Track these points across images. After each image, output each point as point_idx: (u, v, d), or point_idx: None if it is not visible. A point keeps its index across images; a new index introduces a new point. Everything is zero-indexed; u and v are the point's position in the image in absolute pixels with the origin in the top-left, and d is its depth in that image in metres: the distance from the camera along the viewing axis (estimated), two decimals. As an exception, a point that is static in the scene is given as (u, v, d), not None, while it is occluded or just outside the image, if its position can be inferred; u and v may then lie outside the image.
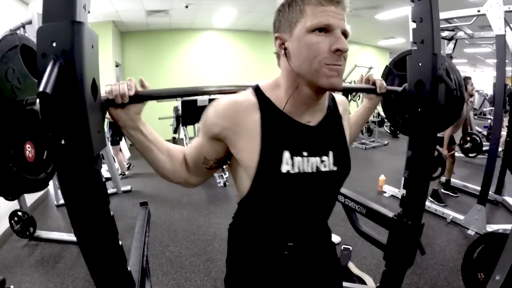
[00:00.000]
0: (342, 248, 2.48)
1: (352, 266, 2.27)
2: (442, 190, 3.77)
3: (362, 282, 2.13)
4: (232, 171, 0.86)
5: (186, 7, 5.80)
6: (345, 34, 0.72)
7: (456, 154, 3.93)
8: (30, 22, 3.01)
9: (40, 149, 0.83)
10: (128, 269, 0.88)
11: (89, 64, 0.68)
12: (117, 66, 7.41)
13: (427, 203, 3.31)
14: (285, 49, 0.74)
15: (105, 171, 4.38)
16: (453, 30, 3.71)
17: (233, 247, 0.96)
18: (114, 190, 4.36)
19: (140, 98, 0.77)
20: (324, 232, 0.98)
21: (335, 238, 2.69)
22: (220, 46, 8.53)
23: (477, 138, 3.92)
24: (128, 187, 4.47)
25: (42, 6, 0.66)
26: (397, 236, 1.36)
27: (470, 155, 3.97)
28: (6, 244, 2.92)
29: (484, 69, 16.17)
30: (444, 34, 3.75)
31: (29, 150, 0.81)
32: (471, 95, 3.66)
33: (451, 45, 3.90)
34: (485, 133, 6.49)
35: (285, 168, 0.75)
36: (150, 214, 1.70)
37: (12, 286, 2.09)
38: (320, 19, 0.68)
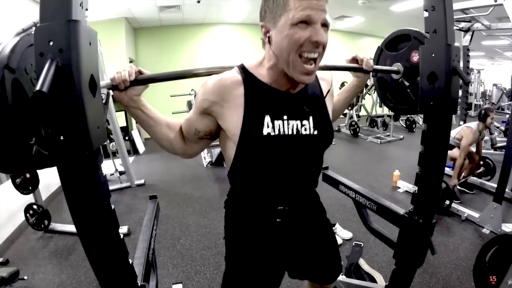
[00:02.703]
0: (353, 244, 2.46)
1: (362, 263, 2.24)
2: (458, 187, 3.67)
3: (373, 279, 2.09)
4: (221, 144, 0.95)
5: (198, 1, 5.78)
6: (325, 25, 0.78)
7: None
8: None
9: None
10: (130, 261, 0.89)
11: (87, 62, 0.69)
12: (131, 62, 7.49)
13: (442, 199, 3.24)
14: (269, 37, 0.83)
15: (119, 165, 4.46)
16: (469, 21, 3.58)
17: (229, 221, 1.05)
18: (128, 184, 4.43)
19: (139, 82, 0.87)
20: (312, 196, 1.08)
21: (347, 234, 2.65)
22: (233, 40, 8.51)
23: (490, 162, 3.89)
24: (141, 181, 4.54)
25: (40, 6, 0.67)
26: (407, 234, 1.33)
27: (483, 178, 3.91)
28: (21, 236, 3.01)
29: (502, 62, 15.65)
30: (461, 25, 3.63)
31: None
32: (487, 127, 3.57)
33: (467, 36, 3.77)
34: (503, 128, 6.27)
35: (266, 130, 0.84)
36: (159, 207, 1.71)
37: (26, 277, 2.19)
38: (302, 13, 0.74)
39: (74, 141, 0.69)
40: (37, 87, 0.59)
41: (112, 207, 0.81)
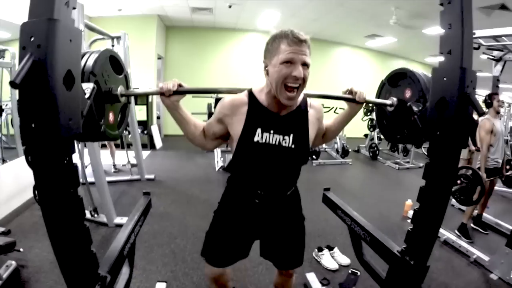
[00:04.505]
0: (349, 271, 2.35)
1: (356, 292, 2.13)
2: (472, 225, 3.47)
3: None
4: (229, 144, 1.31)
5: (230, 7, 5.86)
6: (305, 64, 1.08)
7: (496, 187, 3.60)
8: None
9: (115, 116, 1.29)
10: (93, 250, 0.93)
11: (64, 58, 0.73)
12: (159, 58, 7.65)
13: (452, 236, 3.06)
14: (267, 71, 1.15)
15: (132, 158, 4.52)
16: (502, 50, 3.41)
17: (224, 194, 1.43)
18: (138, 177, 4.50)
19: (179, 92, 1.16)
20: (291, 193, 1.38)
21: (344, 260, 2.54)
22: (263, 48, 8.53)
23: None
24: (152, 176, 4.61)
25: (29, 4, 0.74)
26: (396, 275, 1.23)
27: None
28: (27, 211, 3.12)
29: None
30: (494, 54, 3.46)
31: (111, 117, 1.24)
32: (498, 112, 3.31)
33: (499, 66, 3.59)
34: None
35: (256, 138, 1.19)
36: (151, 205, 1.70)
37: (21, 249, 2.24)
38: (287, 56, 1.06)
39: (43, 130, 0.73)
40: (12, 78, 0.65)
41: (80, 196, 0.86)
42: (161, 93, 1.15)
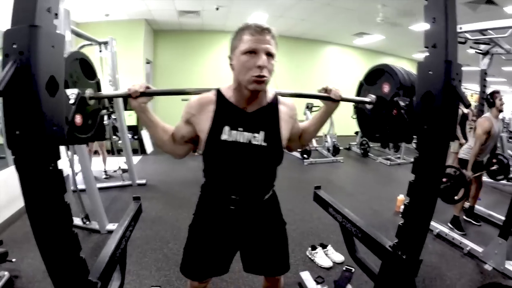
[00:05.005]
0: (343, 268, 2.36)
1: (350, 289, 2.14)
2: (464, 217, 3.51)
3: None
4: (199, 146, 1.22)
5: (217, 9, 5.85)
6: (270, 54, 1.05)
7: (484, 178, 3.65)
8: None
9: (84, 119, 1.23)
10: (83, 256, 0.92)
11: (47, 63, 0.74)
12: (147, 63, 7.60)
13: (445, 229, 3.10)
14: (232, 65, 1.11)
15: (123, 163, 4.48)
16: (488, 44, 3.46)
17: (199, 202, 1.35)
18: (129, 182, 4.46)
19: (146, 94, 1.14)
20: (268, 197, 1.30)
21: (338, 257, 2.56)
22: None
23: (504, 159, 3.57)
24: (143, 181, 4.56)
25: (12, 11, 0.74)
26: (389, 270, 1.23)
27: (497, 177, 3.63)
28: (19, 220, 3.06)
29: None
30: (481, 48, 3.51)
31: (78, 119, 1.18)
32: (500, 111, 3.26)
33: (486, 60, 3.65)
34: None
35: (223, 137, 1.13)
36: (141, 209, 1.68)
37: (14, 259, 2.22)
38: (249, 45, 1.03)
39: (28, 136, 0.73)
40: None
41: (67, 202, 0.85)
42: (129, 95, 1.12)
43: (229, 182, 1.21)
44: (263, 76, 1.04)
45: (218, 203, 1.26)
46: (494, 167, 3.58)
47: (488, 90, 3.39)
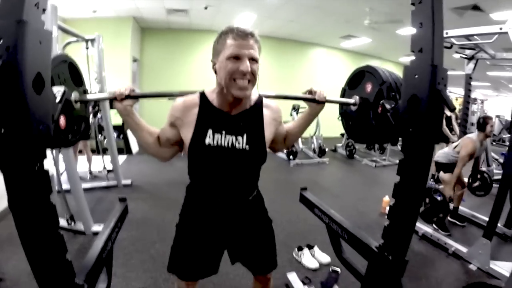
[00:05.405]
0: (330, 269, 2.37)
1: (337, 290, 2.16)
2: (449, 218, 3.58)
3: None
4: (184, 149, 1.22)
5: (205, 8, 5.83)
6: (253, 59, 1.05)
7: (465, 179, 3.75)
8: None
9: (69, 123, 1.23)
10: (69, 258, 0.91)
11: (33, 60, 0.72)
12: (134, 61, 7.49)
13: (429, 230, 3.16)
14: (215, 70, 1.11)
15: (108, 163, 4.40)
16: (474, 49, 3.55)
17: (184, 204, 1.35)
18: (114, 183, 4.38)
19: (131, 97, 1.15)
20: (253, 197, 1.31)
21: (325, 258, 2.57)
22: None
23: (487, 177, 3.70)
24: (128, 181, 4.49)
25: None
26: (375, 271, 1.24)
27: (477, 193, 3.77)
28: (4, 221, 2.97)
29: (507, 94, 15.68)
30: (466, 52, 3.60)
31: (62, 121, 1.19)
32: (488, 136, 3.37)
33: (471, 65, 3.74)
34: (501, 160, 6.13)
35: (207, 141, 1.13)
36: (127, 211, 1.65)
37: None
38: (232, 51, 1.02)
39: (13, 135, 0.72)
40: None
41: (53, 203, 0.84)
42: (114, 98, 1.13)
43: (213, 184, 1.22)
44: (247, 84, 1.06)
45: (203, 204, 1.27)
46: (476, 183, 3.71)
47: (473, 95, 3.50)
